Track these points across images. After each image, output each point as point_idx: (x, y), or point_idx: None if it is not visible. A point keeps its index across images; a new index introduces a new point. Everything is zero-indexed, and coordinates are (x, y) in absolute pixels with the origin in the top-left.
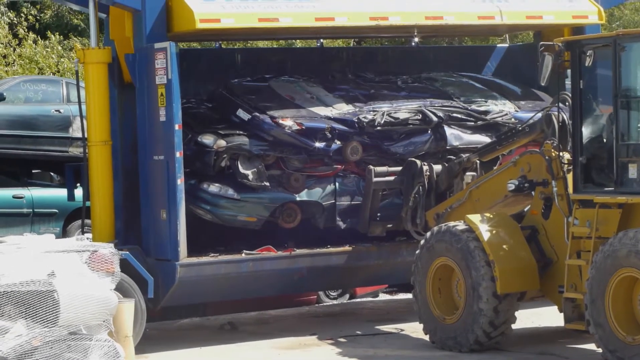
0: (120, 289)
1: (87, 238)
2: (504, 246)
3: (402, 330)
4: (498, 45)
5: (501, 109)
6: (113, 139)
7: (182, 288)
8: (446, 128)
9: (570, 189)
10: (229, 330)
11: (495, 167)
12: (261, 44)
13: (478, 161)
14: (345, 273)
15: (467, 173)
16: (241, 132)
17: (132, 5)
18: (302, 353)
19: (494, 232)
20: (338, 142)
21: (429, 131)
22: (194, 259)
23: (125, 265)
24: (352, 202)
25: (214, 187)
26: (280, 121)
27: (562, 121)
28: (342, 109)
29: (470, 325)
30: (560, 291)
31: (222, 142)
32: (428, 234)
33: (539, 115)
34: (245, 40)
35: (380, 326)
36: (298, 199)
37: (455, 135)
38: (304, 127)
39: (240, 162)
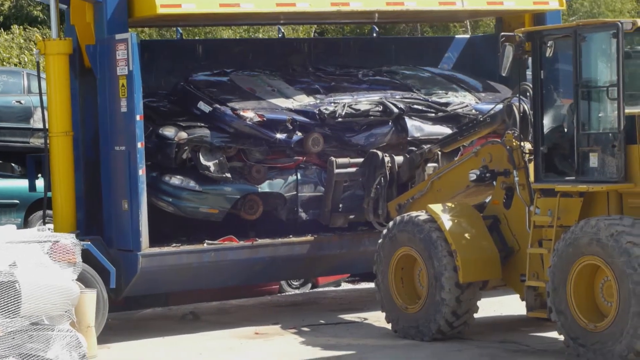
0: (82, 279)
1: (49, 229)
2: (466, 236)
3: (364, 319)
4: (459, 36)
5: (462, 100)
6: (74, 130)
7: (144, 278)
8: (407, 119)
9: (532, 179)
10: (191, 320)
11: (456, 158)
12: (224, 34)
13: (439, 152)
14: (308, 263)
15: (429, 164)
16: (202, 125)
17: None
18: (264, 342)
19: (455, 221)
20: (299, 134)
21: (390, 123)
22: (156, 249)
23: (87, 256)
24: (314, 194)
25: (175, 180)
26: (242, 113)
27: (523, 111)
28: (303, 100)
29: (432, 314)
30: (522, 280)
31: (183, 134)
32: (390, 223)
33: (500, 106)
34: (206, 25)
35: (343, 315)
36: (260, 190)
37: (416, 127)
38: (265, 119)
39: (202, 154)
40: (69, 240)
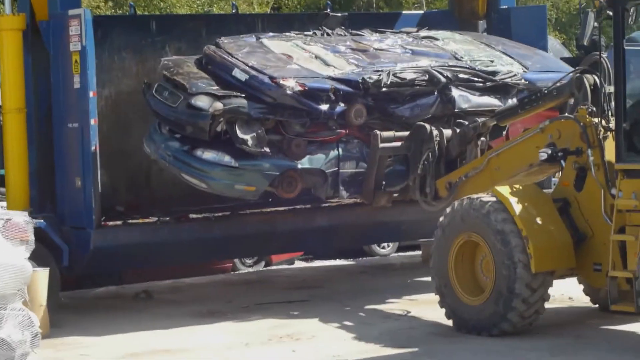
0: (35, 257)
1: (1, 206)
2: (537, 221)
3: (317, 297)
4: (413, 12)
5: (509, 69)
6: (28, 107)
7: (97, 256)
8: (453, 89)
9: (608, 158)
10: (144, 299)
11: (504, 133)
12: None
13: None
14: (262, 240)
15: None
16: (238, 94)
17: None
18: (217, 321)
19: (525, 205)
20: (342, 105)
21: (435, 93)
22: (109, 227)
23: (39, 234)
24: (356, 170)
25: (209, 154)
26: (281, 82)
27: (594, 84)
28: (345, 68)
29: (501, 306)
30: (597, 269)
31: (218, 105)
32: (450, 207)
33: (568, 77)
34: None
35: (296, 293)
36: (300, 166)
37: (463, 97)
38: (306, 88)
39: (239, 126)
40: (21, 218)
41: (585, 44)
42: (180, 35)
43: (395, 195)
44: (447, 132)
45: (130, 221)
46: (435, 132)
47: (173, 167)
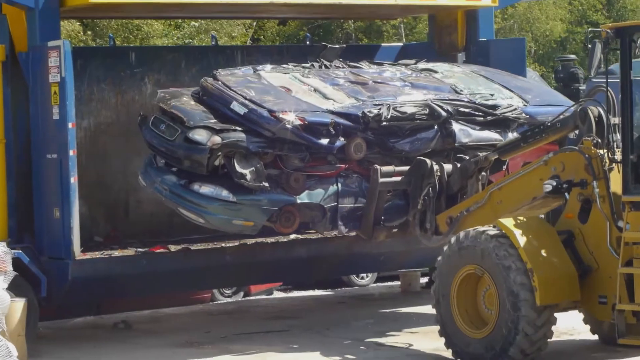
0: (13, 287)
1: None
2: (542, 253)
3: (295, 327)
4: (392, 44)
5: (509, 103)
6: (7, 138)
7: (75, 286)
8: (454, 124)
9: (613, 189)
10: (122, 329)
11: (504, 168)
12: (159, 42)
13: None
14: (241, 270)
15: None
16: (236, 128)
17: (25, 3)
18: (196, 351)
19: (529, 237)
20: (342, 139)
21: (435, 127)
22: (88, 257)
23: (18, 264)
24: (355, 205)
25: (206, 188)
26: (281, 115)
27: (598, 116)
28: (344, 101)
29: (503, 340)
30: (602, 302)
31: (217, 139)
32: (453, 239)
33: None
34: (139, 18)
35: (275, 323)
36: (299, 201)
37: (463, 132)
38: (306, 122)
39: (237, 160)
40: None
41: (592, 74)
42: (159, 66)
43: (394, 230)
44: (448, 167)
45: (108, 252)
46: (436, 167)
47: (170, 201)
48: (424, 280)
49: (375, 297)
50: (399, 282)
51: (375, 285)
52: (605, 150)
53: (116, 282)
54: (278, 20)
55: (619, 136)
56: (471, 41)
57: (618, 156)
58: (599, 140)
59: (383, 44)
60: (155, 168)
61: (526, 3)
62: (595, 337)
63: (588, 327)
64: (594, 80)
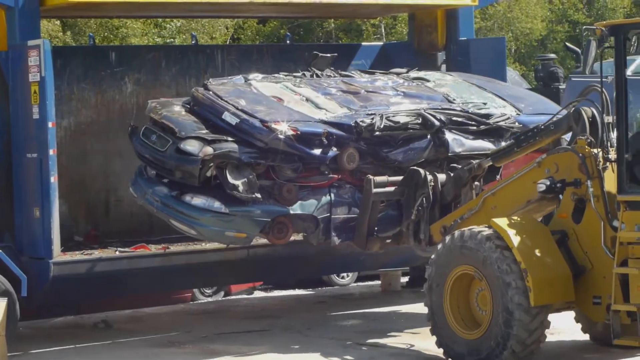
0: None
1: None
2: (536, 253)
3: (278, 327)
4: (372, 43)
5: (502, 112)
6: None
7: (56, 286)
8: (447, 133)
9: (607, 188)
10: (103, 329)
11: (497, 177)
12: (139, 41)
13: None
14: (221, 270)
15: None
16: (228, 139)
17: (5, 2)
18: (177, 350)
19: (523, 237)
20: (334, 149)
21: (428, 137)
22: (68, 257)
23: None
24: (348, 215)
25: (198, 200)
26: (273, 125)
27: (591, 116)
28: (337, 111)
29: (496, 341)
30: (596, 302)
31: (209, 149)
32: (447, 238)
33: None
34: (119, 17)
35: (256, 323)
36: (291, 212)
37: (457, 141)
38: (299, 132)
39: (229, 171)
40: None
41: (587, 72)
42: (139, 66)
43: (388, 241)
44: (442, 177)
45: (89, 251)
46: (429, 177)
47: (161, 213)
48: (404, 279)
49: (355, 296)
50: (379, 282)
51: (355, 284)
52: (599, 150)
53: (96, 282)
54: (258, 19)
55: (613, 135)
56: (451, 40)
57: (612, 155)
58: (593, 140)
59: (363, 43)
60: (146, 179)
61: (506, 3)
62: (586, 336)
63: (578, 326)
64: (574, 79)
